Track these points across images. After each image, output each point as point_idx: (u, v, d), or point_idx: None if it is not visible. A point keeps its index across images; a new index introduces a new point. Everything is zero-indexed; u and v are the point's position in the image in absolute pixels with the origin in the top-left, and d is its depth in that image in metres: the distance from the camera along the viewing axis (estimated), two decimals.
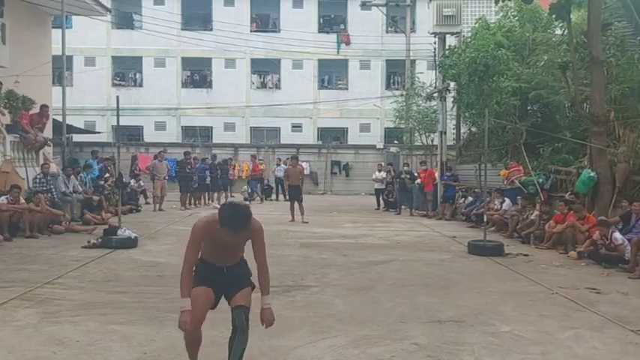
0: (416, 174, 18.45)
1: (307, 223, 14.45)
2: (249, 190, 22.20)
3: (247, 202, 4.10)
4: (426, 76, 23.56)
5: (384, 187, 19.55)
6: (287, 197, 16.65)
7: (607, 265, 8.85)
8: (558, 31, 16.11)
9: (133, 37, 29.79)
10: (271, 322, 4.05)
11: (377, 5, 27.46)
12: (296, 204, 14.99)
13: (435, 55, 18.63)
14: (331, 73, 31.30)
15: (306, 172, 27.13)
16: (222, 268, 4.16)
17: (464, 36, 18.36)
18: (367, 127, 30.33)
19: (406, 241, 11.72)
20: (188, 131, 30.36)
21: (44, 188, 12.46)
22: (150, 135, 29.36)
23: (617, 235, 8.98)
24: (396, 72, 30.29)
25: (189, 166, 18.65)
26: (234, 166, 24.88)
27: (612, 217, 10.06)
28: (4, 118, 12.93)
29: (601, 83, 11.70)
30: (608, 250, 9.12)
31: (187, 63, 30.80)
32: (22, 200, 11.27)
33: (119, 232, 10.22)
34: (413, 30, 27.38)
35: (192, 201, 18.93)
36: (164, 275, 7.82)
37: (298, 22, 29.69)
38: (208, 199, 19.96)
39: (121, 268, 8.21)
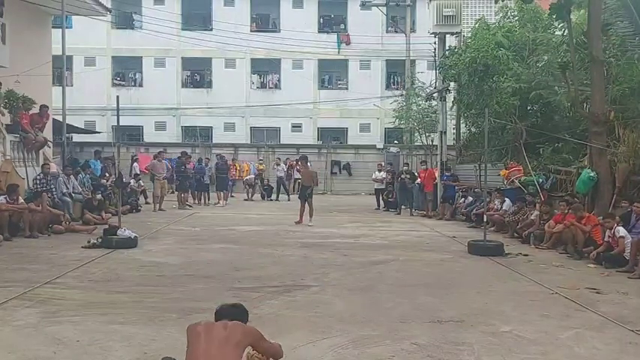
0: (416, 174, 18.46)
1: (312, 226, 13.97)
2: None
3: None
4: (426, 76, 23.56)
5: (384, 187, 19.56)
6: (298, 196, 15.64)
7: (607, 265, 8.86)
8: (558, 32, 16.11)
9: (133, 37, 29.77)
10: None
11: (377, 5, 27.47)
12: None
13: (435, 56, 18.64)
14: (331, 73, 31.28)
15: None
16: None
17: (464, 36, 18.37)
18: (367, 127, 30.33)
19: (406, 241, 11.72)
20: (188, 131, 30.36)
21: (44, 188, 12.45)
22: (150, 135, 29.38)
23: (620, 228, 9.00)
24: (396, 72, 30.28)
25: (183, 167, 18.62)
26: (235, 166, 24.91)
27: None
28: (4, 118, 12.92)
29: (601, 83, 11.71)
30: (610, 246, 9.14)
31: (187, 63, 30.80)
32: (22, 200, 11.27)
33: (119, 231, 10.22)
34: (413, 30, 27.38)
35: (195, 200, 18.96)
36: (164, 275, 7.82)
37: (298, 22, 29.67)
38: (208, 199, 19.98)
39: (121, 268, 8.20)
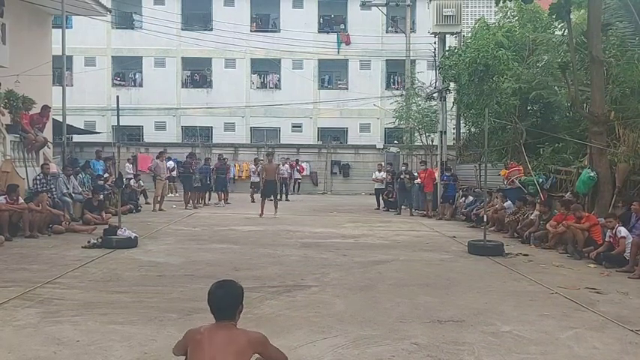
0: (415, 174, 18.47)
1: (278, 217, 15.51)
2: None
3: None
4: (426, 76, 23.60)
5: (384, 187, 19.57)
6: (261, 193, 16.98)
7: (607, 265, 8.86)
8: (558, 32, 16.12)
9: (133, 37, 29.81)
10: None
11: (377, 5, 27.51)
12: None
13: (435, 56, 18.64)
14: (331, 73, 31.31)
15: (306, 172, 27.30)
16: None
17: (464, 36, 18.37)
18: (367, 127, 30.36)
19: (406, 241, 11.72)
20: (188, 131, 30.38)
21: (44, 188, 12.45)
22: (150, 135, 29.40)
23: (622, 228, 9.01)
24: (396, 72, 30.31)
25: (192, 167, 18.69)
26: (234, 165, 24.93)
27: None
28: (4, 118, 12.92)
29: (601, 83, 11.71)
30: (611, 246, 9.15)
31: (187, 63, 30.82)
32: (22, 200, 11.27)
33: (119, 232, 10.22)
34: (413, 30, 27.41)
35: (197, 200, 18.99)
36: (164, 275, 7.82)
37: (298, 22, 29.71)
38: (209, 199, 19.99)
39: (121, 268, 8.20)
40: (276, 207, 16.10)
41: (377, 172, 20.22)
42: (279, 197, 22.61)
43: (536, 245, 11.04)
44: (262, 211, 15.82)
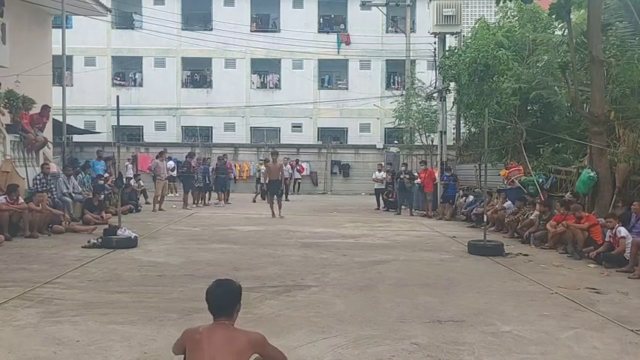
0: (415, 174, 18.47)
1: (283, 217, 15.57)
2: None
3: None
4: (426, 76, 23.60)
5: (384, 187, 19.57)
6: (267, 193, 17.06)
7: (607, 265, 8.86)
8: (558, 32, 16.12)
9: (133, 37, 29.80)
10: None
11: (377, 5, 27.50)
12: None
13: (435, 56, 18.65)
14: (331, 73, 31.30)
15: (306, 172, 27.30)
16: None
17: (464, 36, 18.37)
18: (367, 127, 30.35)
19: (406, 241, 11.72)
20: (188, 131, 30.37)
21: (44, 188, 12.45)
22: (150, 135, 29.39)
23: (622, 228, 9.01)
24: (396, 72, 30.30)
25: (191, 167, 18.69)
26: (233, 165, 24.91)
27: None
28: (4, 118, 12.91)
29: (601, 83, 11.71)
30: (611, 246, 9.15)
31: (187, 63, 30.81)
32: (22, 200, 11.27)
33: (119, 231, 10.22)
34: (413, 30, 27.40)
35: (197, 200, 18.98)
36: (164, 275, 7.82)
37: (298, 22, 29.71)
38: (209, 199, 19.99)
39: (121, 268, 8.20)
40: (279, 207, 16.04)
41: (377, 172, 20.20)
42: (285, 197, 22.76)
43: (536, 245, 11.04)
44: (273, 211, 15.80)
